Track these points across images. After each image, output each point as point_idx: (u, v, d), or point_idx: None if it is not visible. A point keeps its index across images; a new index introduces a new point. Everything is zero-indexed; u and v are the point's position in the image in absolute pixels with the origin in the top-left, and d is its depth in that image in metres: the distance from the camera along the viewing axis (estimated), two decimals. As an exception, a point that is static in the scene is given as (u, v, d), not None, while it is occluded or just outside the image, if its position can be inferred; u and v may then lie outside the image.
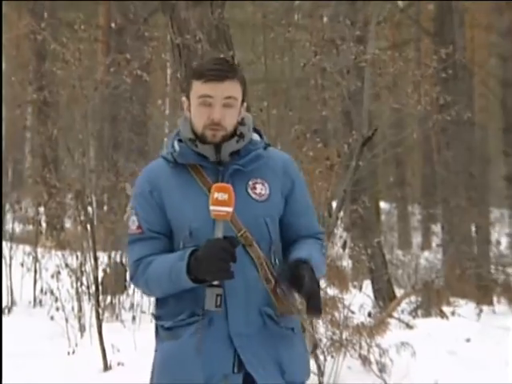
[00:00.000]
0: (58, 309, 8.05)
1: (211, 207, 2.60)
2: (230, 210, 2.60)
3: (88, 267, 7.71)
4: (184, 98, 2.87)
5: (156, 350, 2.85)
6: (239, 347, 2.69)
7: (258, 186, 2.79)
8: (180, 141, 2.82)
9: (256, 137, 2.88)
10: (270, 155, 2.87)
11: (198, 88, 2.75)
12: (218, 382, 2.67)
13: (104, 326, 6.97)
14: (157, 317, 2.85)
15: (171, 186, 2.80)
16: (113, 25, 13.64)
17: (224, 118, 2.72)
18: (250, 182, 2.79)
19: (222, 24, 6.56)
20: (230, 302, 2.68)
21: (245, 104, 2.85)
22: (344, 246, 9.71)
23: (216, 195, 2.59)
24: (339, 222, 7.60)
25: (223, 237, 2.60)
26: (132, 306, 8.67)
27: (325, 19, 7.27)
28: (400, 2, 18.25)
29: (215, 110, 2.71)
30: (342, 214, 7.65)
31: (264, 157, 2.82)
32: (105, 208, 9.64)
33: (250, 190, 2.78)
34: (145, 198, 2.81)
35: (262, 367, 2.70)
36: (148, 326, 7.66)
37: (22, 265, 9.78)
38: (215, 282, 2.59)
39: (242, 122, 2.83)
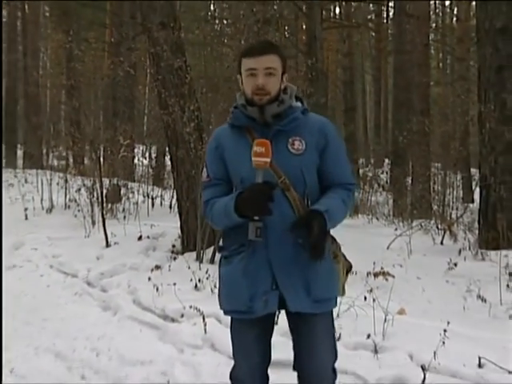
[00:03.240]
0: (79, 210, 7.90)
1: (252, 158, 2.10)
2: (267, 159, 2.08)
3: (97, 186, 7.56)
4: (238, 76, 2.30)
5: (219, 274, 2.38)
6: (276, 269, 2.19)
7: (296, 143, 2.23)
8: (236, 108, 2.30)
9: (298, 104, 2.31)
10: (309, 118, 2.29)
11: (245, 63, 2.22)
12: (260, 297, 2.20)
13: (106, 221, 6.86)
14: (220, 249, 2.36)
15: (229, 143, 2.28)
16: (113, 40, 13.18)
17: (267, 83, 2.18)
18: (290, 139, 2.22)
19: (179, 41, 6.40)
20: (270, 234, 2.16)
21: (286, 75, 2.27)
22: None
23: (255, 148, 2.09)
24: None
25: (263, 182, 2.10)
26: (123, 209, 8.50)
27: (241, 41, 7.10)
28: (286, 33, 18.03)
29: (259, 78, 2.18)
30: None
31: (300, 119, 2.25)
32: (108, 151, 9.42)
33: (289, 146, 2.22)
34: (212, 153, 2.32)
35: (292, 287, 2.20)
36: (133, 223, 7.58)
37: (58, 184, 9.59)
38: (256, 217, 2.10)
39: (285, 91, 2.26)
